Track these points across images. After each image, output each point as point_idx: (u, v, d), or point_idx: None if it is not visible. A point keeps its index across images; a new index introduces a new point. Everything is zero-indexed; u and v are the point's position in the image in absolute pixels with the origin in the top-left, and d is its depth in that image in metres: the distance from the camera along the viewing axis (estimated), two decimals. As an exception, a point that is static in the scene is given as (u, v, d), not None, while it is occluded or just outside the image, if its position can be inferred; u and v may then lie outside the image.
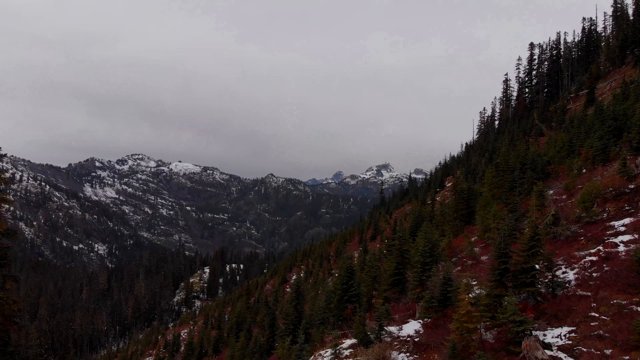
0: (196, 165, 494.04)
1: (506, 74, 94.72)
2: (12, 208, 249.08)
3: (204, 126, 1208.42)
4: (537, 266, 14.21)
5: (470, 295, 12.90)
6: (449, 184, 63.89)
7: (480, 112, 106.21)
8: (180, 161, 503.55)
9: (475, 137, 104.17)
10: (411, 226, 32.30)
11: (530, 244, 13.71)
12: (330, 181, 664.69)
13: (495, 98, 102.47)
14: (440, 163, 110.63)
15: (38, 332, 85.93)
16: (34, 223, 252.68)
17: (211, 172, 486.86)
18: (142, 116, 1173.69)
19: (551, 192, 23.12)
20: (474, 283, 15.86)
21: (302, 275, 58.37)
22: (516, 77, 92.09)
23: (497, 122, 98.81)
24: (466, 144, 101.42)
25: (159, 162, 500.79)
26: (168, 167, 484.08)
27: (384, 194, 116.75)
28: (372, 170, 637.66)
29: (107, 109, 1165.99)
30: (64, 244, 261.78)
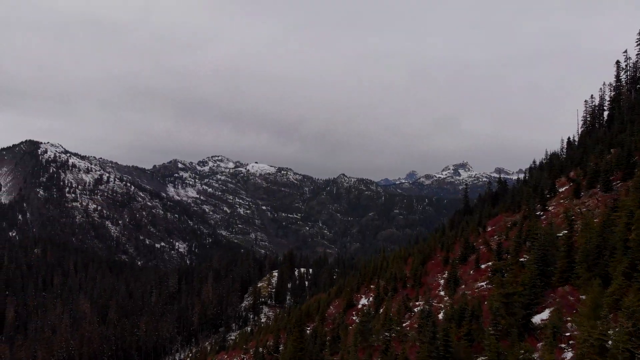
0: (271, 166, 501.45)
1: (625, 52, 76.83)
2: (99, 207, 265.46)
3: (279, 128, 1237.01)
4: None
5: None
6: (564, 189, 49.50)
7: (585, 101, 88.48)
8: (256, 162, 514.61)
9: (581, 129, 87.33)
10: (537, 260, 20.50)
11: None
12: (403, 181, 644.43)
13: (604, 84, 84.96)
14: (534, 162, 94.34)
15: (101, 339, 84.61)
16: (119, 222, 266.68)
17: (285, 172, 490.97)
18: (222, 119, 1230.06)
19: None
20: None
21: (371, 300, 47.94)
22: (637, 54, 74.40)
23: (606, 112, 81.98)
24: (568, 138, 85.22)
25: (237, 163, 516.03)
26: (245, 168, 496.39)
27: (468, 198, 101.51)
28: (449, 169, 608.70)
29: (190, 112, 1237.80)
30: (147, 242, 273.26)
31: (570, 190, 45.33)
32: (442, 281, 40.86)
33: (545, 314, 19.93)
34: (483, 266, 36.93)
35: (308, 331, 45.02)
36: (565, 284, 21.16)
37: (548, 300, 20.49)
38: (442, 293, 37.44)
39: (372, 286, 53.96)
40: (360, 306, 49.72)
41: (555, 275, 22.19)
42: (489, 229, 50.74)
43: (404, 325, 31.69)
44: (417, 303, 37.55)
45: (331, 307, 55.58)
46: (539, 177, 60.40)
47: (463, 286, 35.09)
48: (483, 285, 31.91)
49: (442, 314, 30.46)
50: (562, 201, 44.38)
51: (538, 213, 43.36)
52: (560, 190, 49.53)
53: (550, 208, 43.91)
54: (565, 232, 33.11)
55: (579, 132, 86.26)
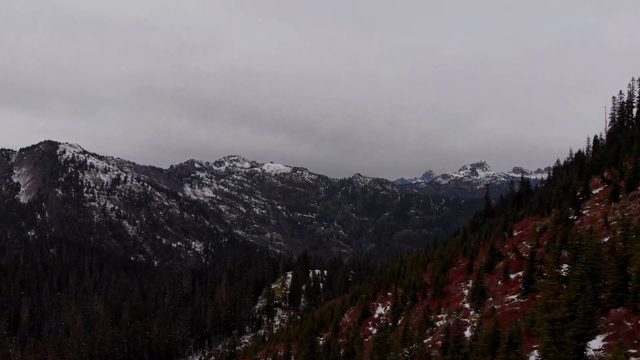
0: (287, 166, 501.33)
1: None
2: (116, 207, 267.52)
3: (295, 127, 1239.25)
4: None
5: None
6: (598, 190, 45.67)
7: (613, 97, 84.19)
8: (272, 162, 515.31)
9: (608, 127, 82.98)
10: (586, 276, 17.23)
11: None
12: (419, 181, 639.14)
13: (632, 80, 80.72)
14: (558, 161, 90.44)
15: (112, 341, 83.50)
16: (137, 221, 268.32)
17: (300, 172, 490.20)
18: (238, 119, 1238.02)
19: None
20: None
21: (388, 309, 45.00)
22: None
23: (635, 109, 77.69)
24: (595, 136, 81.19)
25: (253, 163, 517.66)
26: (261, 168, 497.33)
27: (489, 198, 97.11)
28: (466, 169, 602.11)
29: (207, 112, 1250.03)
30: (164, 242, 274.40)
31: (606, 192, 41.59)
32: (466, 291, 37.61)
33: (597, 342, 16.87)
34: (512, 276, 33.64)
35: (321, 341, 42.36)
36: (619, 305, 18.05)
37: (599, 324, 17.41)
38: (467, 305, 34.25)
39: (389, 293, 50.88)
40: (376, 316, 46.75)
41: (605, 294, 19.07)
42: (516, 233, 47.20)
43: (425, 342, 28.75)
44: (439, 316, 34.52)
45: (346, 315, 52.67)
46: (570, 178, 56.42)
47: (490, 298, 31.89)
48: (514, 299, 28.70)
49: (468, 330, 27.47)
50: (597, 204, 40.69)
51: (571, 217, 39.80)
52: (594, 192, 45.74)
53: (584, 212, 40.29)
54: (606, 239, 29.70)
55: (607, 130, 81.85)
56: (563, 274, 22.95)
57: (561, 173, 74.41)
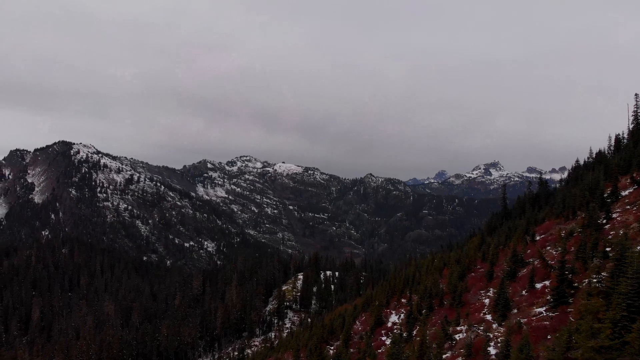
0: (298, 166, 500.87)
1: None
2: (130, 207, 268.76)
3: (307, 127, 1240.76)
4: None
5: None
6: (627, 192, 42.66)
7: (636, 94, 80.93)
8: (283, 162, 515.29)
9: (631, 125, 79.71)
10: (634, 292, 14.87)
11: None
12: (432, 181, 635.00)
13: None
14: (577, 161, 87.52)
15: (121, 343, 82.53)
16: (149, 221, 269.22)
17: (312, 172, 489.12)
18: (251, 119, 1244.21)
19: None
20: None
21: (402, 317, 42.68)
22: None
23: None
24: (617, 135, 78.04)
25: (265, 163, 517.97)
26: (273, 168, 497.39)
27: (507, 199, 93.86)
28: (480, 168, 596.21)
29: (220, 113, 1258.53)
30: (176, 241, 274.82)
31: (637, 194, 38.71)
32: (487, 301, 35.11)
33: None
34: (539, 285, 31.07)
35: (331, 351, 40.27)
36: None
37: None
38: (488, 317, 31.76)
39: (403, 300, 48.47)
40: (390, 324, 44.44)
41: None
42: (538, 237, 44.45)
43: (444, 357, 26.47)
44: (458, 328, 32.13)
45: (357, 322, 50.40)
46: (595, 178, 53.32)
47: (515, 310, 29.43)
48: (542, 312, 26.25)
49: (492, 347, 25.15)
50: (628, 207, 37.83)
51: (600, 221, 37.01)
52: (623, 193, 42.81)
53: (614, 215, 37.47)
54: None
55: (630, 128, 78.69)
56: (602, 288, 20.53)
57: (582, 173, 71.25)
